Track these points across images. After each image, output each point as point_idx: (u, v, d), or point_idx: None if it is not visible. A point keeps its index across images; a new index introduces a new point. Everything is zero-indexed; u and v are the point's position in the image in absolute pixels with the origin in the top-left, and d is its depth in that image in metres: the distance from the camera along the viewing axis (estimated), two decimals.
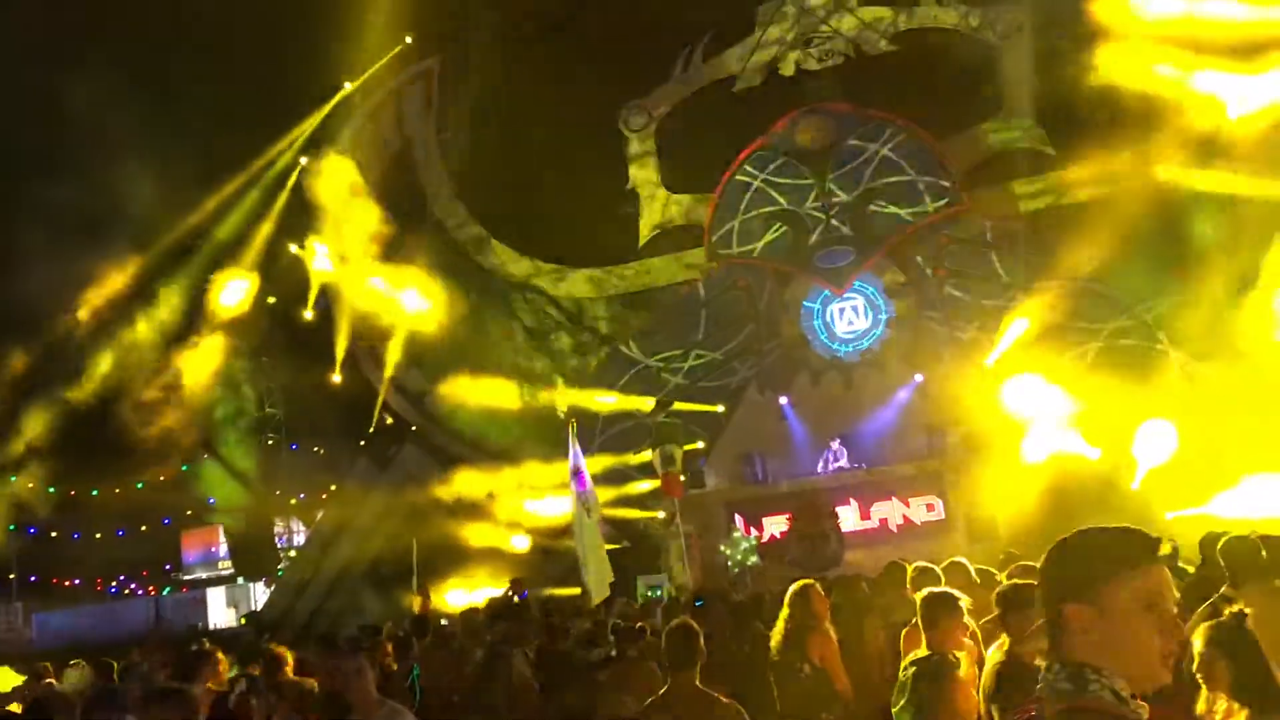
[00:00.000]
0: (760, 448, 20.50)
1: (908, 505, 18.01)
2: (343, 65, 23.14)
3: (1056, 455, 17.94)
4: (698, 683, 4.93)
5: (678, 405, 21.00)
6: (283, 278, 22.49)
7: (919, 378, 20.26)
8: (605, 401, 21.38)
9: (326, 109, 22.77)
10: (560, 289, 23.30)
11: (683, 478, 17.85)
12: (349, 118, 24.20)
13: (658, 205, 22.86)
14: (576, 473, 12.94)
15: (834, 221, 21.25)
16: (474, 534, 20.12)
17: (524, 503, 20.33)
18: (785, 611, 6.47)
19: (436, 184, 23.89)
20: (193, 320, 21.72)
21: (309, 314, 22.88)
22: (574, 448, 13.60)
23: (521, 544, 19.95)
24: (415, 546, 13.48)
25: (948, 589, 5.28)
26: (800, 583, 6.67)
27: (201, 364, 21.75)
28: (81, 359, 20.53)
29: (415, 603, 12.23)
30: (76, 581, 28.73)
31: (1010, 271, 20.41)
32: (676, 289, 22.66)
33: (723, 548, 16.53)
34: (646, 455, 19.38)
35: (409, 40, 24.03)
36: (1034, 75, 20.69)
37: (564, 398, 21.15)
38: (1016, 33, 20.85)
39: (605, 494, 17.73)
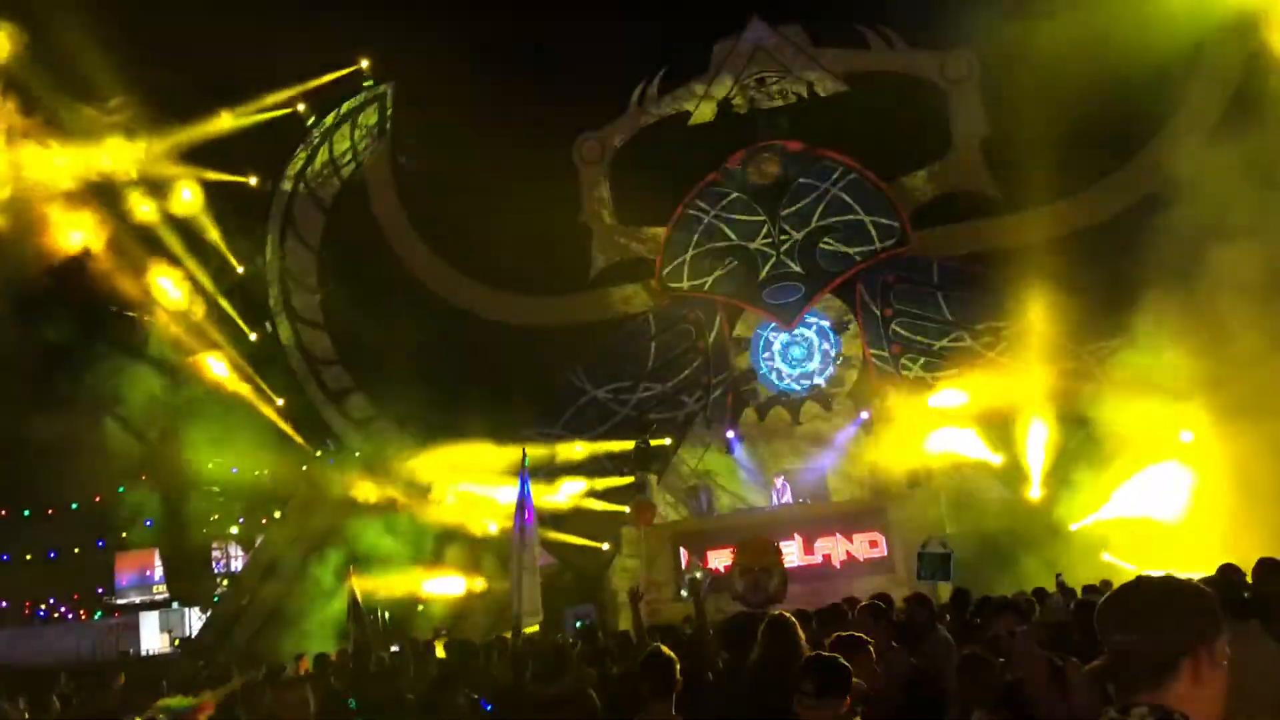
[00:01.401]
0: (706, 481, 20.56)
1: (851, 541, 18.12)
2: (296, 85, 23.09)
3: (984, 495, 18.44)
4: (673, 711, 4.92)
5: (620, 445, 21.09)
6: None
7: (864, 415, 20.48)
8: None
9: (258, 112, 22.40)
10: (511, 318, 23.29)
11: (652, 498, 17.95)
12: (302, 139, 24.12)
13: (609, 237, 22.96)
14: (523, 506, 12.83)
15: (784, 258, 21.48)
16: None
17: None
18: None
19: (391, 209, 23.83)
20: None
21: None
22: (524, 478, 13.50)
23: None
24: (353, 584, 13.32)
25: (855, 633, 5.37)
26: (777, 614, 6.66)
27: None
28: None
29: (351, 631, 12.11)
30: (3, 604, 27.94)
31: (956, 312, 20.73)
32: (625, 321, 22.73)
33: (678, 583, 16.52)
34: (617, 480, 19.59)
35: (364, 64, 24.05)
36: (982, 119, 21.16)
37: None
38: (965, 78, 21.31)
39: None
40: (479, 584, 20.57)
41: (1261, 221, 15.53)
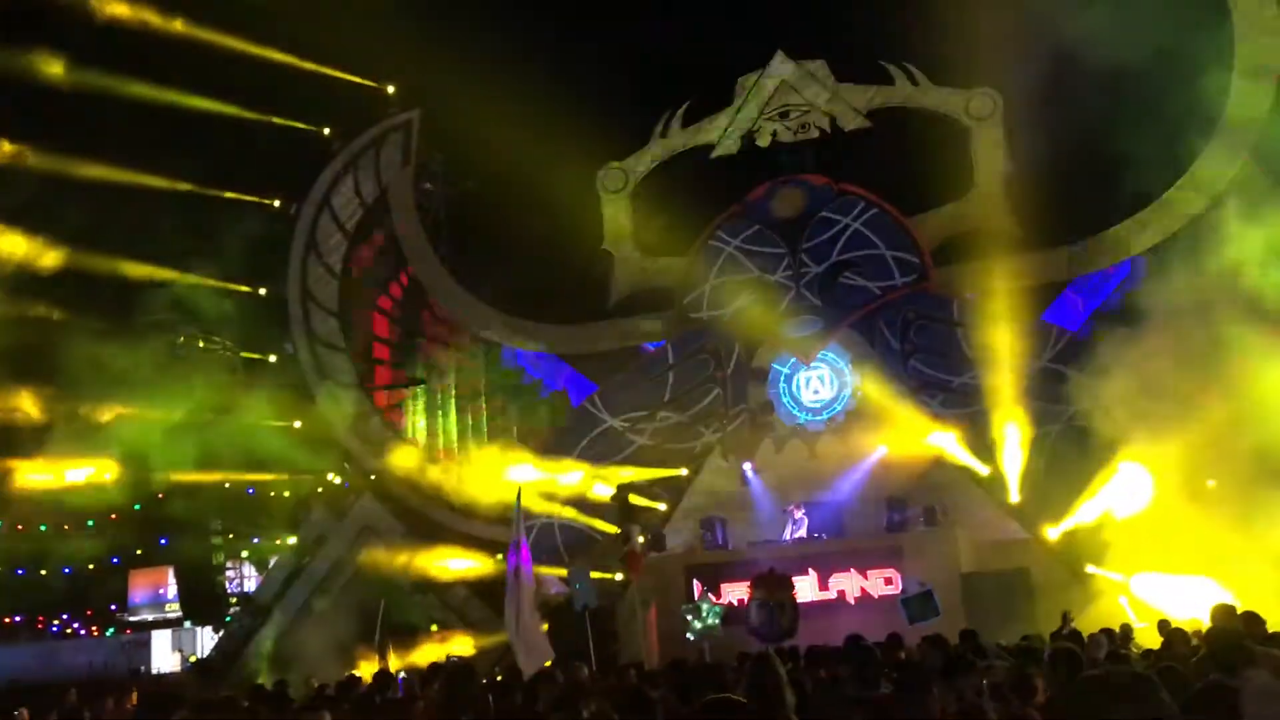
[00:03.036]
0: (722, 513, 20.49)
1: (866, 577, 17.99)
2: (322, 112, 23.40)
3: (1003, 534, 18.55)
4: None
5: (640, 473, 21.15)
6: None
7: (882, 450, 20.37)
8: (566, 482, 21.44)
9: None
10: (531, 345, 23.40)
11: (640, 546, 17.96)
12: (327, 164, 24.41)
13: (631, 266, 23.02)
14: (518, 544, 12.83)
15: (804, 291, 21.48)
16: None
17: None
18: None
19: (413, 234, 24.01)
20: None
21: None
22: (519, 517, 13.56)
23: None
24: (383, 606, 13.34)
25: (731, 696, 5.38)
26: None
27: None
28: None
29: (374, 660, 12.10)
30: (17, 619, 28.03)
31: (976, 349, 20.62)
32: (645, 350, 22.75)
33: (687, 615, 16.40)
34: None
35: (390, 90, 24.32)
36: (1005, 157, 21.17)
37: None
38: (989, 116, 21.33)
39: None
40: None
41: None
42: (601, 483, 21.39)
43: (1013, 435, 19.37)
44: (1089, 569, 17.75)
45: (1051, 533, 18.60)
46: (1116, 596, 16.89)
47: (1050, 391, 19.57)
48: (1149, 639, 11.77)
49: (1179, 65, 18.52)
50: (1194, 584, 14.66)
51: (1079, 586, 17.83)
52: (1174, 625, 8.52)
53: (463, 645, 20.20)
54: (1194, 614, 11.20)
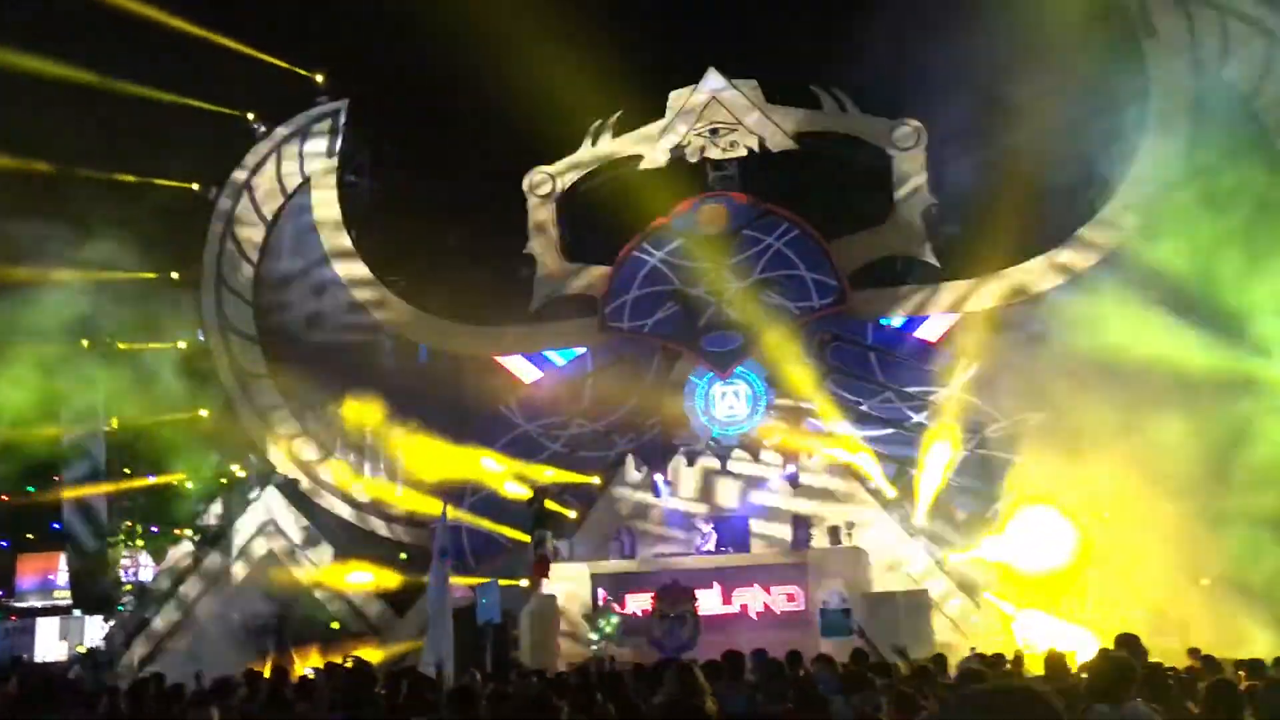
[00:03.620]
0: (632, 524, 20.56)
1: (769, 593, 18.18)
2: (246, 95, 23.00)
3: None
4: None
5: (557, 475, 21.14)
6: None
7: (792, 468, 20.66)
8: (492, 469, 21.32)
9: None
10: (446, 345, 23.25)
11: (551, 552, 17.94)
12: (250, 149, 24.01)
13: (553, 271, 23.01)
14: (443, 553, 12.86)
15: (724, 307, 21.69)
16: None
17: None
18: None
19: (334, 226, 23.71)
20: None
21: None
22: (443, 526, 13.65)
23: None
24: (283, 603, 13.18)
25: None
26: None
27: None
28: None
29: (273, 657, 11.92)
30: None
31: (887, 374, 21.06)
32: (564, 357, 22.75)
33: (587, 624, 16.43)
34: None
35: (320, 79, 24.00)
36: (926, 188, 21.63)
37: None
38: (913, 146, 21.79)
39: None
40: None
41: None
42: (515, 482, 21.35)
43: (919, 459, 19.82)
44: (986, 595, 18.22)
45: (953, 558, 19.03)
46: (1010, 624, 17.36)
47: (959, 419, 20.09)
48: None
49: (1095, 116, 19.23)
50: (1073, 631, 15.10)
51: (978, 610, 18.31)
52: (1056, 653, 8.78)
53: (365, 646, 19.97)
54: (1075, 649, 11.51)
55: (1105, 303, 18.28)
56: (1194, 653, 10.48)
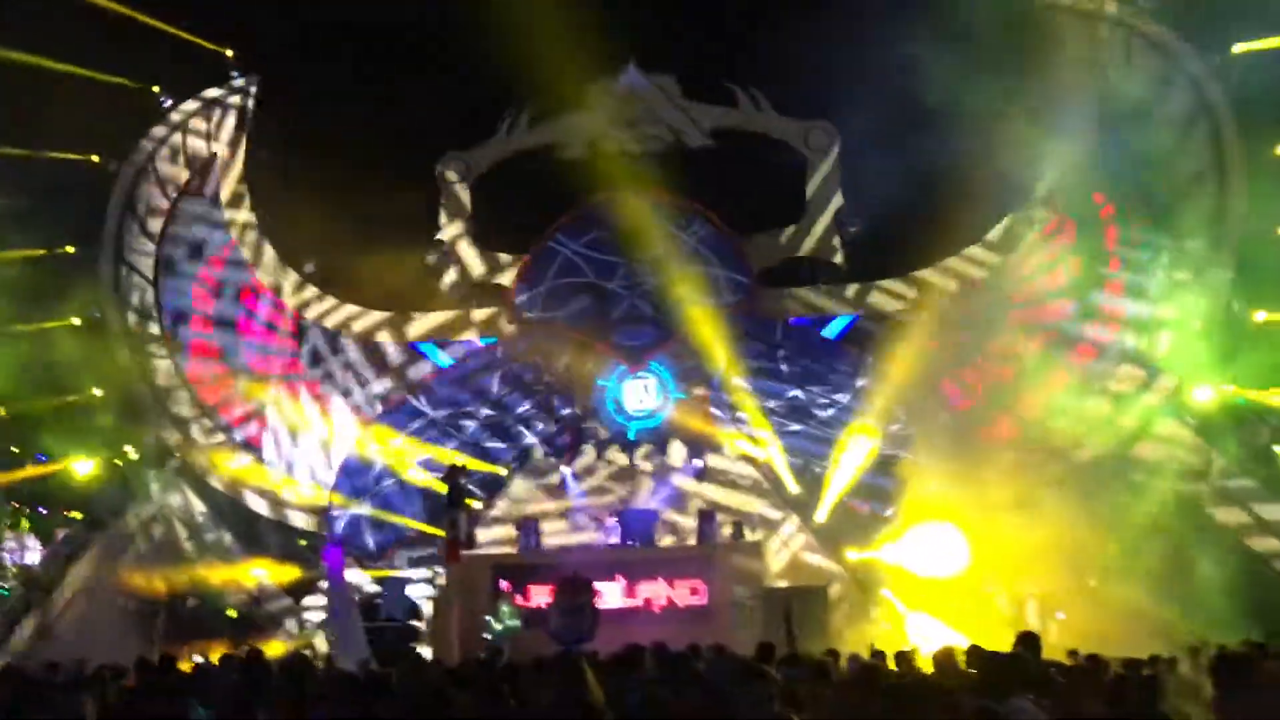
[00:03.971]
0: (537, 515, 20.48)
1: (673, 587, 18.22)
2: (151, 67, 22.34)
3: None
4: None
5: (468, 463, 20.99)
6: None
7: (698, 463, 20.81)
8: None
9: None
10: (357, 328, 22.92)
11: (463, 535, 17.74)
12: (156, 121, 23.34)
13: (465, 259, 22.80)
14: (333, 547, 12.73)
15: (637, 301, 21.72)
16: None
17: None
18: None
19: (241, 205, 23.19)
20: None
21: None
22: (330, 525, 13.55)
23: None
24: (179, 589, 12.87)
25: None
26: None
27: None
28: None
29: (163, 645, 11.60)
30: None
31: (794, 373, 21.29)
32: (472, 346, 22.55)
33: (488, 615, 16.30)
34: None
35: (230, 54, 23.41)
36: (837, 190, 21.94)
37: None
38: (826, 149, 22.07)
39: None
40: None
41: None
42: (418, 469, 21.20)
43: (833, 457, 20.08)
44: (883, 592, 18.58)
45: (852, 555, 19.37)
46: (903, 622, 17.75)
47: (855, 420, 20.51)
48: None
49: (1005, 121, 19.70)
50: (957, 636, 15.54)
51: (874, 607, 18.66)
52: (945, 651, 8.96)
53: (265, 637, 19.65)
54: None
55: (999, 307, 18.88)
56: (1073, 654, 10.79)
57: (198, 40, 22.44)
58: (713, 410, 21.32)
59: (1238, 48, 19.83)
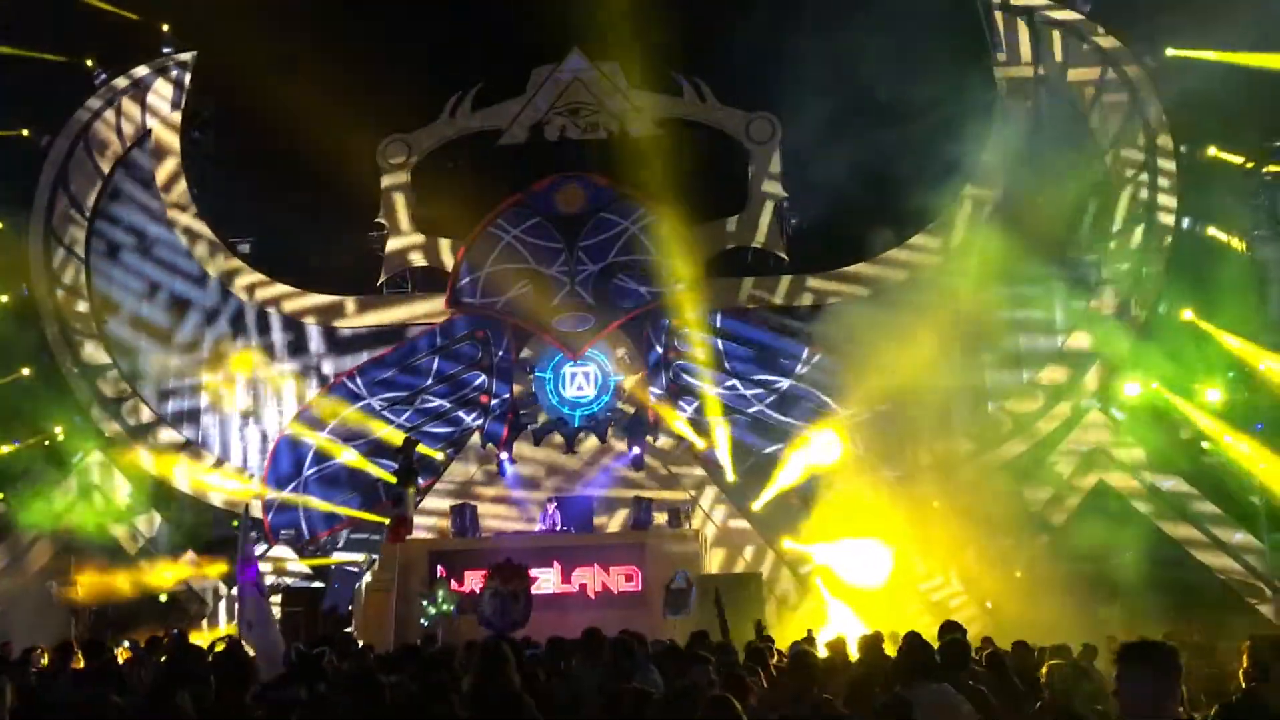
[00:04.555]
0: (474, 500, 20.41)
1: (608, 573, 18.28)
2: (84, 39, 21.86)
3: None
4: None
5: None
6: None
7: (635, 450, 20.86)
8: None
9: None
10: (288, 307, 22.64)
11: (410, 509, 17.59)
12: (89, 95, 22.84)
13: (404, 242, 22.61)
14: (247, 560, 12.51)
15: (578, 288, 21.69)
16: None
17: None
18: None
19: (176, 183, 22.78)
20: None
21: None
22: (244, 536, 13.38)
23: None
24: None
25: None
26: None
27: None
28: None
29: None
30: None
31: (733, 362, 21.40)
32: (411, 330, 22.39)
33: (423, 600, 16.21)
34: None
35: (166, 28, 22.97)
36: (779, 182, 22.08)
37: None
38: (768, 140, 22.18)
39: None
40: None
41: None
42: (351, 452, 21.10)
43: (785, 451, 20.21)
44: (816, 581, 18.80)
45: (787, 544, 19.55)
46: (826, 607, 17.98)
47: (794, 411, 20.71)
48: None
49: (948, 119, 19.99)
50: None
51: (808, 594, 18.88)
52: (870, 636, 9.11)
53: (196, 624, 19.44)
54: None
55: (934, 299, 19.20)
56: (987, 641, 11.01)
57: (123, 13, 21.95)
58: (651, 398, 21.37)
59: (1171, 52, 20.27)
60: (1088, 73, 21.43)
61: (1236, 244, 19.94)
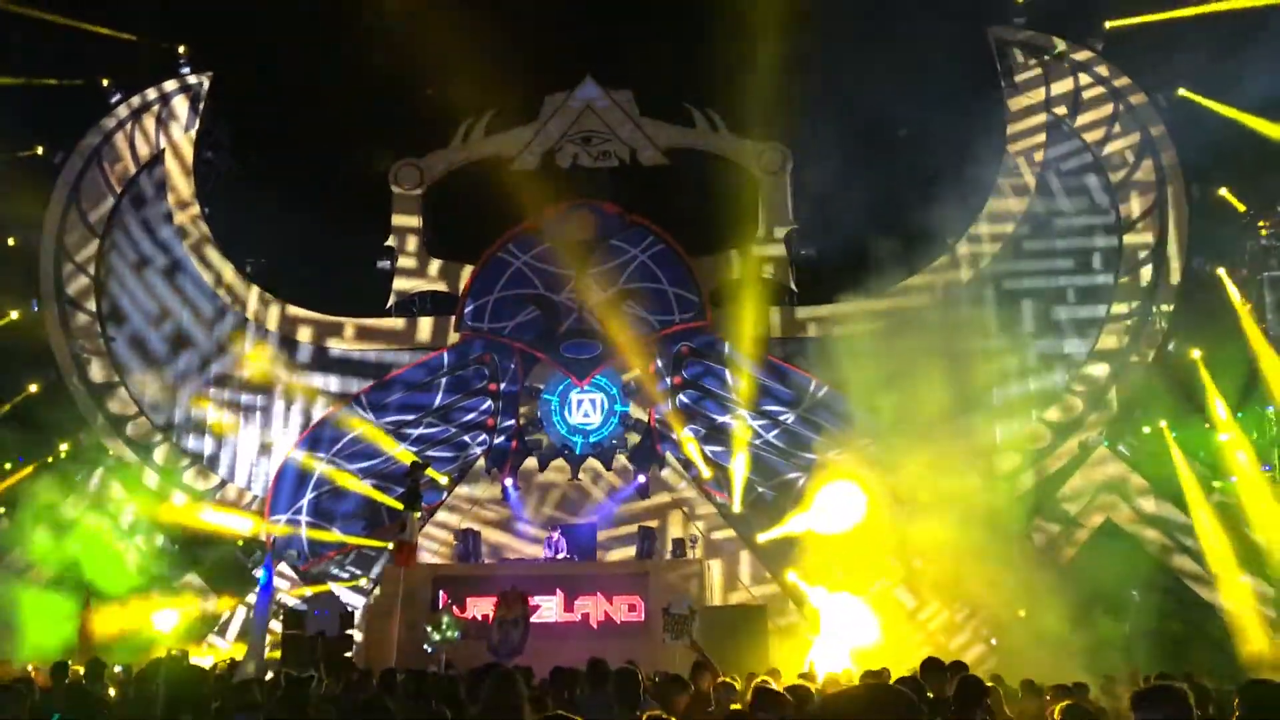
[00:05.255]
0: (478, 526, 20.36)
1: (611, 603, 18.20)
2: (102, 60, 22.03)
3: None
4: None
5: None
6: None
7: (641, 479, 20.82)
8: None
9: None
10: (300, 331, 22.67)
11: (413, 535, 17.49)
12: (103, 114, 22.99)
13: (414, 266, 22.66)
14: (266, 587, 12.65)
15: (586, 315, 21.71)
16: None
17: None
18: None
19: (188, 203, 22.89)
20: None
21: None
22: (268, 569, 13.50)
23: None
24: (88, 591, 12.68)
25: None
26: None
27: None
28: None
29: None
30: None
31: (740, 392, 21.36)
32: (418, 353, 22.37)
33: (428, 626, 16.14)
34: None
35: (182, 50, 23.13)
36: (789, 213, 22.13)
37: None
38: (779, 171, 22.26)
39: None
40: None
41: None
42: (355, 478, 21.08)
43: (769, 477, 20.21)
44: (790, 576, 18.68)
45: (762, 538, 19.51)
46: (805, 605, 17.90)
47: (799, 443, 20.67)
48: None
49: (959, 154, 20.05)
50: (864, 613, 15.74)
51: (810, 627, 18.73)
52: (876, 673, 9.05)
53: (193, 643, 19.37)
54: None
55: (942, 333, 19.21)
56: (997, 679, 10.92)
57: (138, 38, 22.13)
58: (657, 426, 21.35)
59: (1183, 92, 20.34)
60: (1099, 111, 21.50)
61: (1244, 284, 19.92)
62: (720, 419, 21.27)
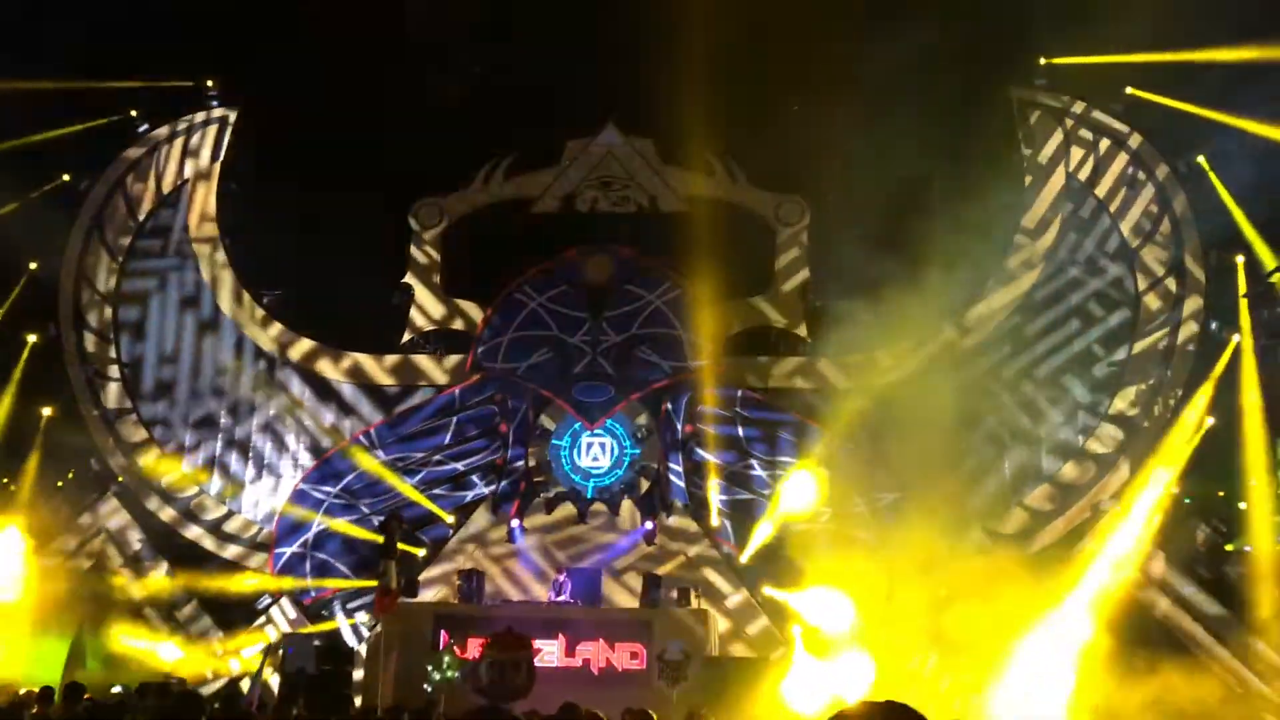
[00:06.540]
0: (483, 567, 20.25)
1: (613, 650, 18.01)
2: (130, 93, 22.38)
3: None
4: None
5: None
6: None
7: (648, 525, 20.70)
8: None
9: None
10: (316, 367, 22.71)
11: (394, 584, 17.42)
12: (130, 143, 23.28)
13: (430, 304, 22.75)
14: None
15: (599, 358, 21.72)
16: None
17: None
18: None
19: (207, 235, 23.09)
20: None
21: None
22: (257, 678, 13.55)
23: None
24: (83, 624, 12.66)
25: None
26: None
27: None
28: None
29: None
30: None
31: (751, 441, 21.28)
32: (430, 391, 22.39)
33: (428, 665, 16.00)
34: None
35: (210, 83, 23.45)
36: (805, 264, 22.16)
37: None
38: (796, 221, 22.32)
39: None
40: None
41: None
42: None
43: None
44: (766, 590, 18.53)
45: (768, 591, 19.33)
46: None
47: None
48: None
49: (976, 213, 20.05)
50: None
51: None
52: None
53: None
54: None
55: (955, 391, 19.14)
56: None
57: (170, 83, 22.48)
58: (668, 473, 21.26)
59: (1203, 159, 20.36)
60: (1117, 172, 21.53)
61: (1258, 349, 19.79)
62: (731, 467, 21.17)
